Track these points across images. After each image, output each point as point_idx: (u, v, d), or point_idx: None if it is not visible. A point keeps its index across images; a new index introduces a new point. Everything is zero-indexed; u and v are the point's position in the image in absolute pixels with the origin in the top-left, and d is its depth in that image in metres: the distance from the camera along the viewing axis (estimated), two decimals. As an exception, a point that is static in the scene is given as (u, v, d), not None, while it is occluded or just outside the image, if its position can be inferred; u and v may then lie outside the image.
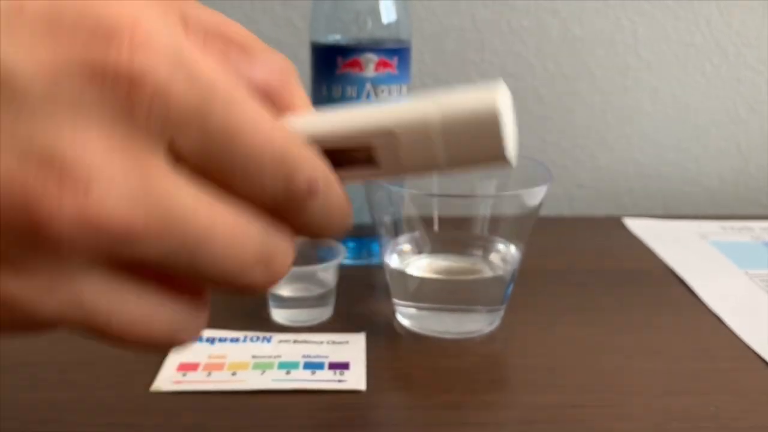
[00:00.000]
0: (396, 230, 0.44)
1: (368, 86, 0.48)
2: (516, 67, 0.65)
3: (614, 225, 0.62)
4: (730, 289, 0.49)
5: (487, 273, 0.44)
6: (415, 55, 0.65)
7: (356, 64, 0.48)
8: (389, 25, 0.49)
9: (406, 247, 0.45)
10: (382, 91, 0.49)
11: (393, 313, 0.45)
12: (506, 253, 0.44)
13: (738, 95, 0.68)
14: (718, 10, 0.65)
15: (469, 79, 0.66)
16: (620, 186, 0.70)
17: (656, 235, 0.60)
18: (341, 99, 0.49)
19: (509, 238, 0.44)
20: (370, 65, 0.48)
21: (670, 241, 0.59)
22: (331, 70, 0.48)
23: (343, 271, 0.45)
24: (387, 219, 0.43)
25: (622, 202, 0.71)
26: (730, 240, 0.59)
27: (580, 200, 0.71)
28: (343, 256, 0.44)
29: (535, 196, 0.40)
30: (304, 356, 0.39)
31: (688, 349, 0.41)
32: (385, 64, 0.48)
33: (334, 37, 0.49)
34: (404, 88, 0.50)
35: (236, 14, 0.62)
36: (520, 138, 0.73)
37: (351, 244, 0.54)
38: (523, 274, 0.44)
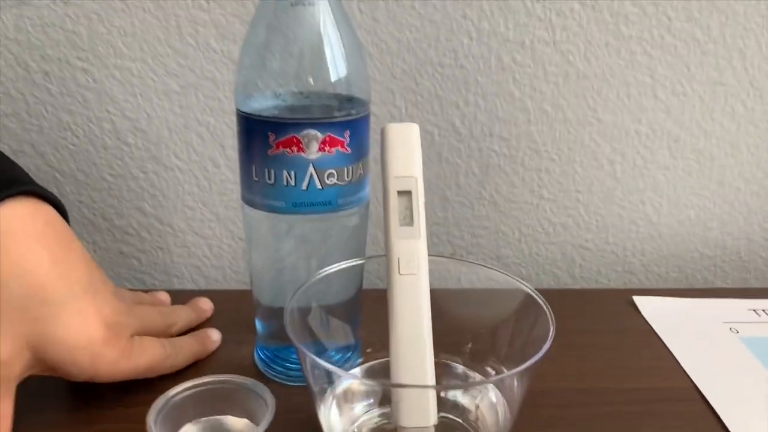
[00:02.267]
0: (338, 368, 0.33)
1: (311, 170, 0.36)
2: (507, 111, 0.53)
3: (623, 308, 0.51)
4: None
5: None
6: (384, 96, 0.53)
7: (294, 143, 0.36)
8: (338, 82, 0.37)
9: (354, 395, 0.34)
10: (331, 176, 0.37)
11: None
12: (497, 403, 0.33)
13: (773, 143, 0.56)
14: (757, 43, 0.53)
15: (452, 125, 0.54)
16: (629, 248, 0.59)
17: (674, 324, 0.49)
18: (276, 185, 0.37)
19: (497, 388, 0.33)
20: (313, 144, 0.36)
21: (692, 337, 0.48)
22: (262, 149, 0.36)
23: (285, 396, 0.33)
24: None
25: (632, 267, 0.60)
26: (764, 335, 0.49)
27: (583, 265, 0.59)
28: (272, 413, 0.33)
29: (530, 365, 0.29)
30: None
31: None
32: (333, 142, 0.36)
33: (265, 104, 0.37)
34: (360, 167, 0.38)
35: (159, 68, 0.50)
36: (510, 194, 0.59)
37: (295, 356, 0.42)
38: None
